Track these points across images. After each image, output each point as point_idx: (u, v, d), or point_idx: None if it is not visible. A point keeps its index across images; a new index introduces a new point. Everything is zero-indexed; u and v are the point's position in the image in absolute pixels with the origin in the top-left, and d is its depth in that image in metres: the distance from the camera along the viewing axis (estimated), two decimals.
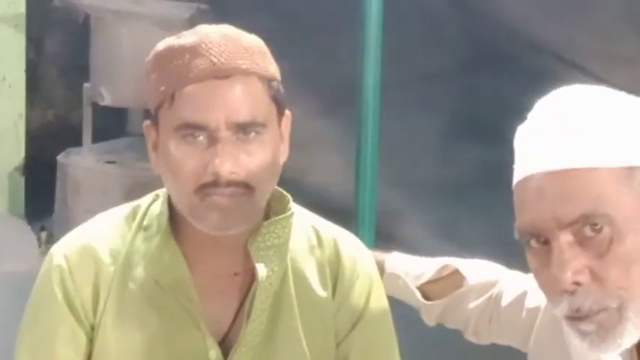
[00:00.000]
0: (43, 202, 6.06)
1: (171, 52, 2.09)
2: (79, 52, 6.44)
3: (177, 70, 2.07)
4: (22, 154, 6.24)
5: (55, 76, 6.81)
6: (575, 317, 1.77)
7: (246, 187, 2.04)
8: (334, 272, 2.25)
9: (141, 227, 2.21)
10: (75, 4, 6.25)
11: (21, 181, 6.22)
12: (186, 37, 2.10)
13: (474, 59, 9.36)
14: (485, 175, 6.95)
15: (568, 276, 1.71)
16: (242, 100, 2.05)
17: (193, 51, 2.06)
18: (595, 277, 1.73)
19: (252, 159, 2.04)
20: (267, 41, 2.14)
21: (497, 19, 10.47)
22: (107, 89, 5.96)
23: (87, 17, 6.17)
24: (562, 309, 1.77)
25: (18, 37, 6.21)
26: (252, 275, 2.15)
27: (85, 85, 6.17)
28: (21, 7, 6.20)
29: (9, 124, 6.21)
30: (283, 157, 2.15)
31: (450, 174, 7.64)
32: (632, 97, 1.87)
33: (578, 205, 1.73)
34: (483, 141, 7.19)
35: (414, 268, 2.44)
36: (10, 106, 6.22)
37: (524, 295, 2.30)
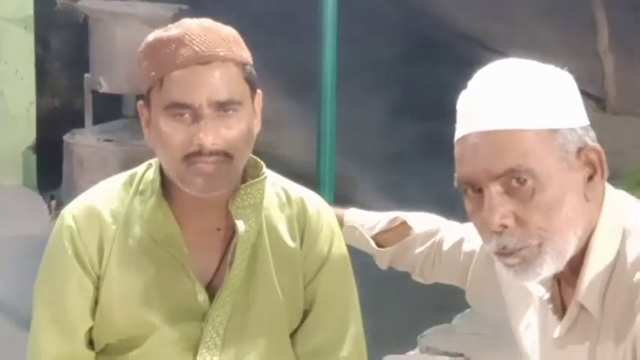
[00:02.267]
0: (52, 175, 6.04)
1: (160, 43, 2.10)
2: (79, 48, 6.42)
3: (165, 58, 2.08)
4: (34, 135, 6.21)
5: (59, 68, 6.78)
6: (502, 253, 1.81)
7: (225, 155, 2.05)
8: (301, 226, 2.26)
9: (137, 191, 2.22)
10: (75, 6, 6.23)
11: (33, 158, 6.19)
12: (172, 30, 2.11)
13: (413, 49, 9.38)
14: (423, 145, 7.00)
15: (496, 219, 1.75)
16: (221, 82, 2.07)
17: (178, 41, 2.07)
18: (519, 220, 1.77)
19: (230, 132, 2.06)
20: (241, 35, 2.15)
21: (432, 15, 10.53)
22: (104, 78, 5.95)
23: (86, 18, 6.16)
24: (491, 247, 1.82)
25: (27, 35, 6.18)
26: (232, 230, 2.16)
27: (86, 75, 6.15)
28: (29, 10, 6.17)
29: (21, 110, 6.19)
30: (256, 129, 2.16)
31: (394, 145, 7.66)
32: (555, 70, 1.89)
33: (506, 161, 1.76)
34: (422, 117, 7.24)
35: (368, 221, 2.45)
36: (22, 95, 6.20)
37: (461, 241, 2.32)
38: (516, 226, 1.78)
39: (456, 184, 1.85)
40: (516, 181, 1.77)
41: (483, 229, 1.83)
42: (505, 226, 1.77)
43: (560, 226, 1.81)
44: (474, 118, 1.85)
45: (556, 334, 1.92)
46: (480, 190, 1.80)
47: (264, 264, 2.22)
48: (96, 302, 2.20)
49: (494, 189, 1.77)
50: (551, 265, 1.81)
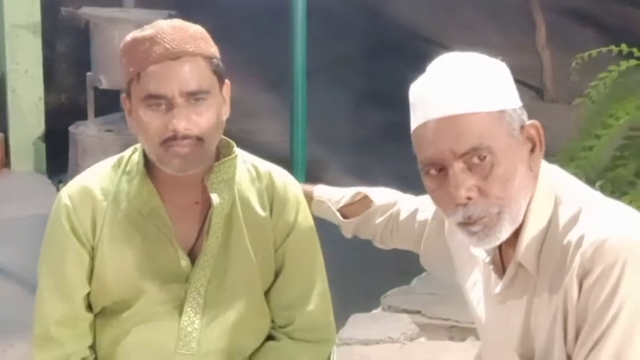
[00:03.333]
0: (59, 162, 6.03)
1: (136, 41, 2.12)
2: (82, 50, 6.40)
3: (140, 55, 2.09)
4: (42, 127, 6.19)
5: (64, 68, 6.77)
6: (467, 223, 1.82)
7: (197, 139, 2.08)
8: (270, 197, 2.28)
9: (124, 172, 2.24)
10: (78, 13, 6.22)
11: (42, 147, 6.18)
12: (147, 30, 2.12)
13: (373, 47, 9.44)
14: (385, 132, 7.01)
15: (462, 193, 1.77)
16: (190, 74, 2.09)
17: (152, 40, 2.08)
18: (481, 192, 1.78)
19: (200, 118, 2.08)
20: (223, 38, 2.15)
21: (391, 18, 10.54)
22: (104, 76, 5.94)
23: (87, 23, 6.15)
24: (456, 218, 1.83)
25: (36, 39, 6.16)
26: (209, 203, 2.18)
27: (88, 73, 6.15)
28: (37, 17, 6.15)
29: (31, 105, 6.17)
30: (225, 115, 2.18)
31: (360, 132, 7.69)
32: (493, 59, 1.90)
33: (468, 141, 1.77)
34: (382, 107, 7.23)
35: (334, 195, 2.46)
36: (31, 92, 6.18)
37: (415, 211, 2.33)
38: (479, 198, 1.79)
39: (419, 165, 1.85)
40: (477, 158, 1.78)
41: (448, 203, 1.83)
42: (470, 198, 1.79)
43: (515, 195, 1.83)
44: (431, 107, 1.84)
45: (497, 290, 1.94)
46: (442, 169, 1.81)
47: (239, 232, 2.23)
48: (91, 270, 2.21)
49: (458, 166, 1.78)
50: (508, 230, 1.83)
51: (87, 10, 6.30)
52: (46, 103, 6.24)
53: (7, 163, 6.10)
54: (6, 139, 6.12)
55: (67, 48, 6.85)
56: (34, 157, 6.14)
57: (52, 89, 6.38)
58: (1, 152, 6.06)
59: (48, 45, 6.30)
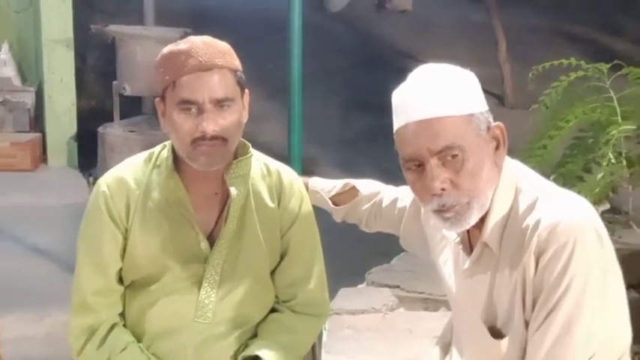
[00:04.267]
0: (89, 158, 6.01)
1: (172, 54, 2.10)
2: (109, 61, 6.37)
3: (176, 66, 2.08)
4: (75, 128, 6.16)
5: (94, 77, 6.74)
6: (441, 210, 1.84)
7: (222, 139, 2.08)
8: (278, 191, 2.28)
9: (155, 165, 2.23)
10: (105, 30, 6.20)
11: (75, 146, 6.14)
12: (182, 44, 2.12)
13: (362, 61, 9.39)
14: (369, 133, 6.99)
15: (437, 185, 1.79)
16: (218, 84, 2.08)
17: (187, 53, 2.07)
18: (453, 184, 1.80)
19: (225, 121, 2.08)
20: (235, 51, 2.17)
21: (377, 36, 10.52)
22: (128, 84, 5.91)
23: (113, 39, 6.11)
24: (432, 206, 1.84)
25: (69, 52, 6.11)
26: (227, 194, 2.18)
27: (114, 82, 6.11)
28: (70, 33, 6.10)
29: (65, 110, 6.14)
30: (245, 119, 2.17)
31: (348, 133, 7.65)
32: (463, 69, 1.91)
33: (442, 141, 1.79)
34: (367, 112, 7.21)
35: (326, 186, 2.46)
36: (65, 98, 6.14)
37: (395, 200, 2.35)
38: (452, 189, 1.81)
39: (401, 161, 1.87)
40: (450, 155, 1.80)
41: (425, 193, 1.85)
42: (444, 190, 1.80)
43: (482, 186, 1.84)
44: (411, 111, 1.85)
45: (465, 266, 1.96)
46: (420, 165, 1.82)
47: (251, 220, 2.23)
48: (124, 249, 2.21)
49: (434, 162, 1.80)
50: (476, 216, 1.86)
51: (113, 28, 6.27)
52: (78, 108, 6.20)
53: (44, 160, 6.07)
54: (43, 139, 6.09)
55: (96, 60, 6.82)
56: (68, 154, 6.11)
57: (83, 96, 6.35)
58: (39, 150, 6.02)
59: (80, 57, 6.28)
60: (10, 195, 5.39)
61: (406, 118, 1.84)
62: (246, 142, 2.23)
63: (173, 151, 2.18)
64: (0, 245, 4.68)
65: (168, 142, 2.21)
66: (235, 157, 2.19)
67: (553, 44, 9.53)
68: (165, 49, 2.12)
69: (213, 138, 2.06)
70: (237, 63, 2.14)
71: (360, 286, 3.76)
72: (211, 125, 2.05)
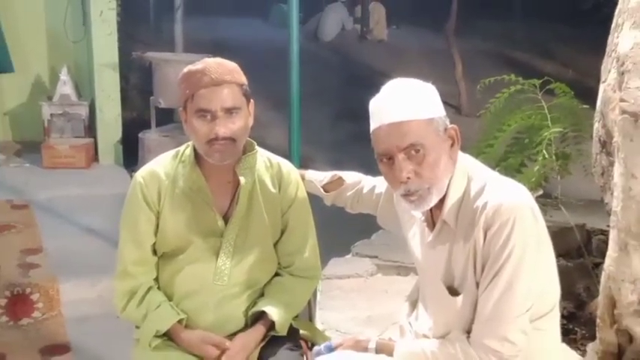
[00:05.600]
0: (132, 158, 5.99)
1: (191, 73, 2.10)
2: (147, 81, 6.37)
3: (194, 82, 2.08)
4: (120, 134, 6.15)
5: (134, 93, 6.74)
6: (407, 194, 1.84)
7: (231, 140, 2.08)
8: (278, 179, 2.28)
9: (180, 161, 2.23)
10: (144, 56, 6.20)
11: (120, 148, 6.14)
12: (198, 65, 2.11)
13: (347, 80, 9.39)
14: (353, 136, 6.98)
15: (404, 175, 1.80)
16: (228, 96, 2.08)
17: (202, 72, 2.07)
18: (417, 174, 1.81)
19: (234, 126, 2.08)
20: (245, 73, 2.17)
21: (359, 60, 10.51)
22: (162, 99, 5.91)
23: (150, 63, 6.12)
24: (400, 191, 1.85)
25: (115, 74, 6.09)
26: (237, 183, 2.18)
27: (151, 97, 6.10)
28: (116, 59, 6.09)
29: (112, 119, 6.14)
30: (250, 124, 2.16)
31: (336, 136, 7.66)
32: (425, 83, 1.91)
33: (407, 140, 1.79)
34: (352, 120, 7.19)
35: (319, 177, 2.45)
36: (112, 110, 6.15)
37: (373, 187, 2.34)
38: (415, 178, 1.81)
39: (376, 156, 1.87)
40: (414, 151, 1.80)
41: (395, 182, 1.85)
42: (409, 178, 1.80)
43: (440, 175, 1.84)
44: (384, 115, 1.84)
45: (429, 239, 1.97)
46: (390, 159, 1.82)
47: (257, 203, 2.23)
48: (156, 227, 2.21)
49: (401, 157, 1.80)
50: (435, 199, 1.86)
51: (150, 54, 6.28)
52: (123, 118, 6.19)
53: (96, 159, 6.04)
54: (95, 143, 6.06)
55: (136, 80, 6.81)
56: (115, 155, 6.09)
57: (127, 108, 6.33)
58: (92, 152, 6.00)
59: (123, 78, 6.26)
60: (69, 187, 5.38)
61: (380, 121, 1.84)
62: (253, 141, 2.23)
63: (194, 149, 2.19)
64: (61, 227, 4.66)
65: (191, 142, 2.21)
66: (244, 152, 2.20)
67: (498, 66, 9.52)
68: (186, 69, 2.12)
69: (224, 139, 2.07)
70: (243, 79, 2.14)
71: (346, 256, 3.74)
72: (222, 129, 2.06)
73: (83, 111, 6.04)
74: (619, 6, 2.69)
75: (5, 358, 3.35)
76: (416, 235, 2.03)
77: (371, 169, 2.18)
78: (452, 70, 9.25)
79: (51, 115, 5.98)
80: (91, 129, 6.10)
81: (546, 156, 3.27)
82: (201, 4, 8.69)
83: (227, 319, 2.18)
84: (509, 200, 1.78)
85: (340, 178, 2.41)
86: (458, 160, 1.88)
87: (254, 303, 2.21)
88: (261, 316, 2.18)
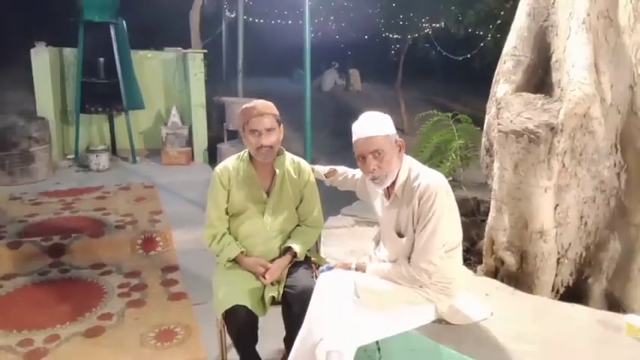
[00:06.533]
0: (213, 159, 5.94)
1: (246, 108, 2.06)
2: (222, 114, 6.32)
3: (247, 114, 2.04)
4: (206, 145, 6.11)
5: (215, 121, 6.64)
6: (373, 179, 1.82)
7: (270, 147, 2.05)
8: (298, 170, 2.22)
9: (241, 159, 2.19)
10: (220, 99, 6.20)
11: (206, 153, 6.09)
12: (250, 103, 2.08)
13: (339, 114, 9.18)
14: (343, 146, 6.86)
15: (371, 168, 1.78)
16: (268, 122, 2.03)
17: (253, 107, 2.05)
18: (379, 168, 1.78)
19: (272, 139, 2.04)
20: (278, 108, 2.13)
21: (345, 102, 10.31)
22: (230, 124, 5.89)
23: (224, 103, 6.10)
24: (369, 177, 1.83)
25: (203, 110, 6.01)
26: (274, 172, 2.14)
27: (224, 123, 6.08)
28: (204, 100, 6.04)
29: (202, 136, 6.06)
30: (281, 138, 2.11)
31: (332, 147, 7.54)
32: (383, 114, 1.87)
33: (373, 147, 1.77)
34: (343, 137, 7.08)
35: (322, 169, 2.40)
36: (202, 131, 6.09)
37: (354, 174, 2.31)
38: (378, 170, 1.78)
39: (355, 157, 1.84)
40: (377, 154, 1.77)
41: (366, 171, 1.82)
42: (374, 170, 1.78)
43: (393, 168, 1.80)
44: (360, 132, 1.81)
45: (386, 204, 1.95)
46: (364, 158, 1.79)
47: (286, 184, 2.18)
48: (227, 198, 2.17)
49: (370, 157, 1.77)
50: (389, 182, 1.82)
51: (224, 98, 6.26)
52: (208, 136, 6.13)
53: (192, 159, 5.99)
54: (192, 150, 6.02)
55: (216, 113, 6.73)
56: (203, 157, 6.04)
57: (210, 130, 6.26)
58: (190, 155, 5.95)
59: (208, 112, 6.20)
60: (177, 176, 5.34)
61: (357, 135, 1.81)
62: (283, 148, 2.19)
63: (249, 153, 2.14)
64: (172, 198, 4.62)
65: (247, 149, 2.16)
66: (277, 154, 2.16)
67: (426, 105, 9.36)
68: (244, 106, 2.09)
69: (266, 147, 2.04)
70: (276, 111, 2.09)
71: (337, 216, 3.71)
72: (265, 141, 2.03)
73: (185, 132, 6.02)
74: (497, 69, 2.66)
75: (141, 274, 3.35)
76: (378, 202, 2.01)
77: (352, 164, 2.17)
78: (398, 108, 9.14)
79: (166, 133, 5.95)
80: (189, 142, 6.08)
81: (454, 157, 3.26)
82: (253, 70, 8.59)
83: (269, 251, 2.17)
84: (433, 182, 1.77)
85: (335, 170, 2.38)
86: (403, 159, 1.86)
87: (284, 242, 2.19)
88: (288, 249, 2.17)
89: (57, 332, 2.62)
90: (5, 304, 2.88)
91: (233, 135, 6.26)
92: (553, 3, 2.51)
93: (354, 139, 1.83)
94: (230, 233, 2.19)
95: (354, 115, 1.89)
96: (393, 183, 1.85)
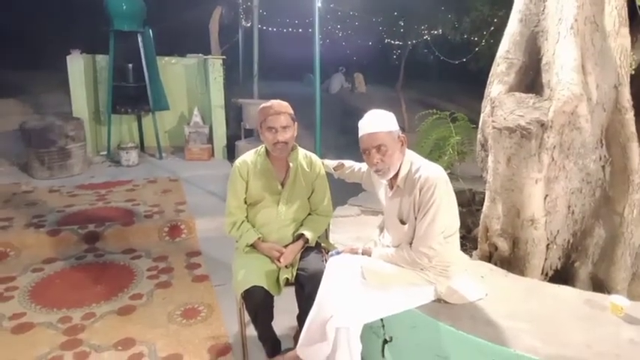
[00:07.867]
0: (231, 155, 5.94)
1: (264, 107, 2.05)
2: (239, 114, 6.29)
3: (265, 113, 2.03)
4: (225, 142, 6.11)
5: (233, 121, 6.63)
6: (377, 171, 1.80)
7: (285, 143, 2.03)
8: (310, 164, 2.22)
9: (258, 154, 2.18)
10: (238, 101, 6.18)
11: (225, 150, 6.09)
12: (267, 103, 2.06)
13: (346, 113, 9.11)
14: (350, 142, 6.82)
15: (375, 161, 1.76)
16: (284, 120, 2.02)
17: (269, 107, 2.03)
18: (382, 161, 1.77)
19: (287, 135, 2.03)
20: (292, 108, 2.12)
21: (351, 103, 10.23)
22: (247, 123, 5.88)
23: (241, 104, 6.08)
24: (373, 169, 1.81)
25: (222, 110, 6.00)
26: (288, 166, 2.13)
27: (242, 122, 6.05)
28: (222, 102, 6.04)
29: (221, 135, 6.09)
30: (295, 134, 2.10)
31: (340, 142, 7.51)
32: (387, 111, 1.86)
33: (377, 142, 1.76)
34: (350, 133, 7.03)
35: (331, 163, 2.39)
36: (221, 130, 6.10)
37: (360, 167, 2.31)
38: (381, 163, 1.76)
39: (361, 151, 1.82)
40: (381, 148, 1.75)
41: (371, 165, 1.80)
42: (378, 163, 1.76)
43: (395, 162, 1.78)
44: (365, 129, 1.79)
45: (389, 195, 1.94)
46: (368, 152, 1.78)
47: (299, 177, 2.17)
48: (246, 189, 2.16)
49: (374, 151, 1.76)
50: (392, 174, 1.79)
51: (241, 100, 6.23)
52: (227, 134, 6.12)
53: (213, 155, 5.99)
54: (212, 147, 6.02)
55: (234, 113, 6.73)
56: (222, 154, 6.04)
57: (229, 129, 6.24)
58: (211, 151, 5.96)
59: (227, 113, 6.19)
60: (199, 170, 5.34)
61: (363, 131, 1.81)
62: (296, 144, 2.19)
63: (265, 148, 2.14)
64: (197, 192, 4.61)
65: (263, 144, 2.15)
66: (292, 150, 2.15)
67: (425, 105, 9.27)
68: (261, 105, 2.08)
69: (282, 143, 2.03)
70: (291, 111, 2.09)
71: (345, 205, 3.71)
72: (281, 137, 2.02)
73: (206, 130, 6.02)
74: (491, 71, 2.64)
75: (167, 259, 3.39)
76: (382, 193, 2.01)
77: (358, 159, 2.16)
78: (400, 108, 9.04)
79: (189, 132, 5.95)
80: (210, 140, 6.09)
81: (452, 152, 3.23)
82: (267, 74, 8.57)
83: (283, 237, 2.18)
84: (433, 174, 1.76)
85: (343, 164, 2.37)
86: (405, 153, 1.85)
87: (297, 229, 2.20)
88: (301, 235, 2.17)
89: (93, 310, 2.67)
90: (46, 286, 2.94)
91: (249, 133, 6.25)
92: (543, 10, 2.48)
93: (359, 134, 1.83)
94: (248, 221, 2.20)
95: (359, 115, 1.88)
96: (396, 175, 1.85)
